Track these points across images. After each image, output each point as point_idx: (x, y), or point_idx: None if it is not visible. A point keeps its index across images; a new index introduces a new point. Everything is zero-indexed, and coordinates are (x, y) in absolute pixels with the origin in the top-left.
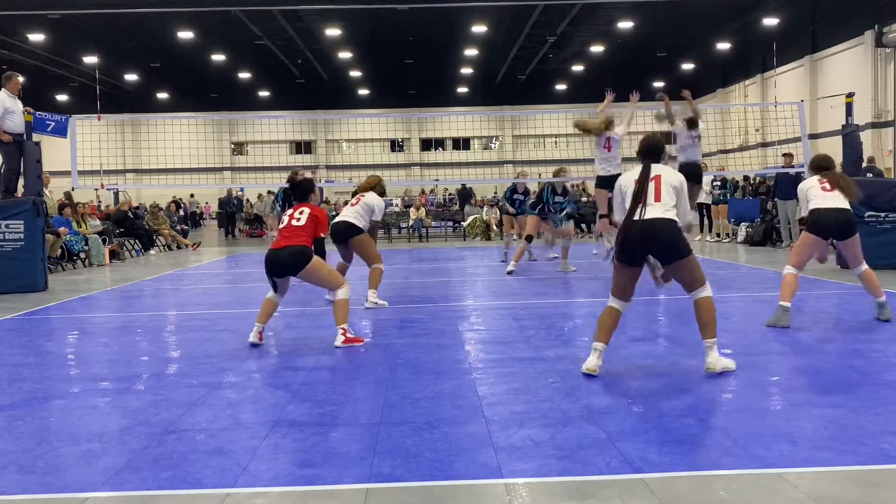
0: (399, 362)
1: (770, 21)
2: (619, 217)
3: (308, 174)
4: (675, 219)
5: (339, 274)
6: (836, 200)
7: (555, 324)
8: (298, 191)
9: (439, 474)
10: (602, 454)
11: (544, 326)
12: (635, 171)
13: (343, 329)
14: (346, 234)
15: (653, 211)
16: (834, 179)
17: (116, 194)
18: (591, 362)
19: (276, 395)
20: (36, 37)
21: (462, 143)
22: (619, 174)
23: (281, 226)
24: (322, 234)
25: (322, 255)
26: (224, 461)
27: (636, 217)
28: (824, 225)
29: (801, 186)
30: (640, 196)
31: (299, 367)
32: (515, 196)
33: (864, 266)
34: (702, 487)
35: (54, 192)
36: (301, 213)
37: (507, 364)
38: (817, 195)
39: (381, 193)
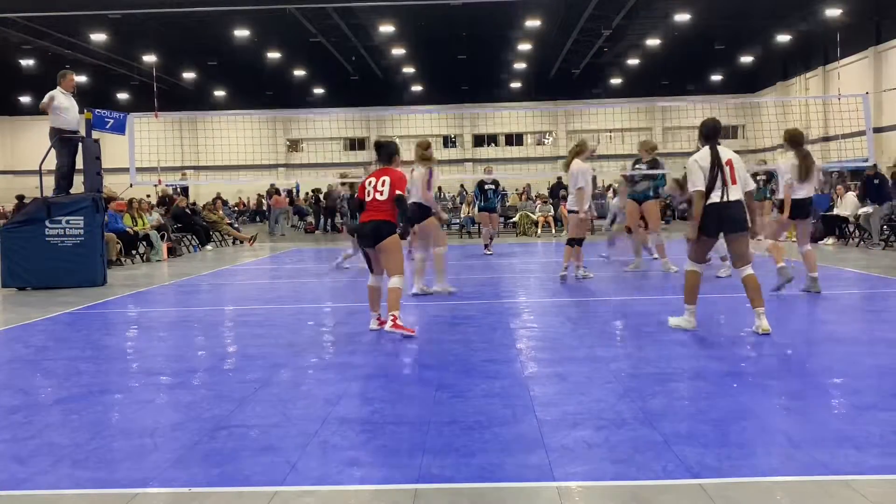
0: (450, 359)
1: (832, 12)
2: (696, 188)
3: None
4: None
5: (403, 264)
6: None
7: (608, 322)
8: (382, 152)
9: (490, 476)
10: (658, 458)
11: (598, 325)
12: (705, 151)
13: (394, 315)
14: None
15: (734, 193)
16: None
17: (175, 191)
18: (693, 322)
19: (327, 392)
20: (97, 36)
21: (515, 139)
22: None
23: (367, 198)
24: (399, 193)
25: (405, 211)
26: (273, 458)
27: (722, 199)
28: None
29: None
30: (722, 178)
31: (351, 363)
32: (487, 187)
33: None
34: (763, 494)
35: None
36: (383, 183)
37: (559, 363)
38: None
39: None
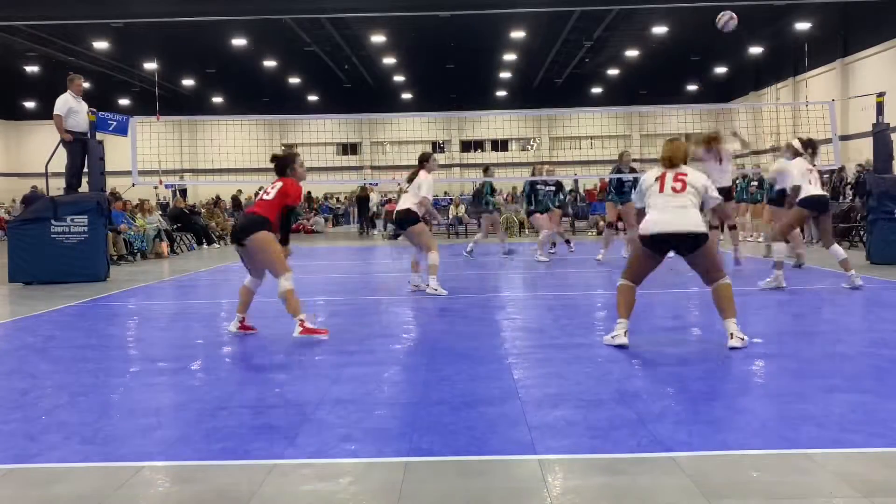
0: (438, 347)
1: (802, 25)
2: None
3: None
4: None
5: (285, 261)
6: None
7: (588, 313)
8: (277, 165)
9: (475, 450)
10: (633, 434)
11: (578, 315)
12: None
13: (300, 320)
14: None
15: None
16: None
17: (175, 192)
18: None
19: (322, 376)
20: (100, 44)
21: (500, 145)
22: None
23: (256, 198)
24: (288, 204)
25: (287, 225)
26: (271, 435)
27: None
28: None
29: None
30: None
31: (344, 350)
32: (547, 189)
33: None
34: (731, 466)
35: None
36: (273, 187)
37: (541, 350)
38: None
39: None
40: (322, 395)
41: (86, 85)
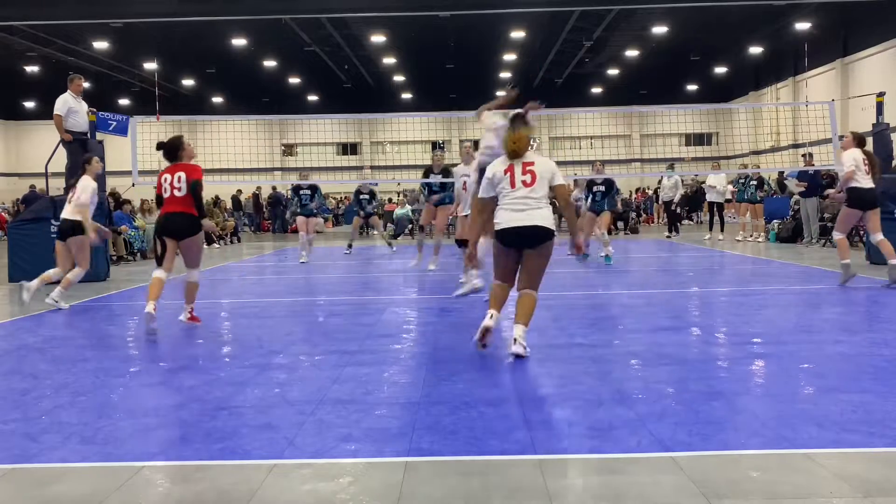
0: (438, 347)
1: (802, 25)
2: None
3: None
4: None
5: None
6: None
7: (587, 314)
8: (168, 151)
9: (475, 450)
10: (633, 434)
11: (577, 316)
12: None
13: (192, 307)
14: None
15: None
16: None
17: None
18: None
19: (322, 376)
20: (100, 44)
21: None
22: None
23: (165, 194)
24: (195, 179)
25: (200, 200)
26: (272, 435)
27: None
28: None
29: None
30: None
31: (344, 350)
32: (361, 197)
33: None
34: (730, 466)
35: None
36: (179, 180)
37: (541, 350)
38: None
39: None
40: (322, 395)
41: (86, 85)
